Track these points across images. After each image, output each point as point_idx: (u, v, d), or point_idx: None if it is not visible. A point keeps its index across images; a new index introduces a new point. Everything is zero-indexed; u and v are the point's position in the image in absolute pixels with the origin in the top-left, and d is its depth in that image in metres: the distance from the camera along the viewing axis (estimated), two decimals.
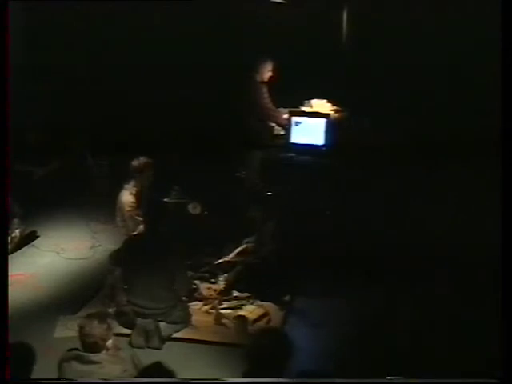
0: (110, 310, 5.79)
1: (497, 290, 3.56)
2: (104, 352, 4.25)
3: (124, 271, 5.88)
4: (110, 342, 4.29)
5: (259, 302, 6.08)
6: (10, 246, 6.82)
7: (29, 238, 7.42)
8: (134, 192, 6.65)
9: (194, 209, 6.58)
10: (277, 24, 9.28)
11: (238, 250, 6.55)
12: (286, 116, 7.98)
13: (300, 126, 7.80)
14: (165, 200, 6.64)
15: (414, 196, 7.90)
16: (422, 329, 5.67)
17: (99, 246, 7.36)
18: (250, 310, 5.96)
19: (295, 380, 3.74)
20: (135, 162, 6.67)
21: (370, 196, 7.84)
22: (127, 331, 5.64)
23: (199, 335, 5.69)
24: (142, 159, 6.69)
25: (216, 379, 4.32)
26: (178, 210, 6.88)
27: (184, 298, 5.92)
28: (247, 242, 6.58)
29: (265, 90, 7.92)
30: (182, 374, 4.47)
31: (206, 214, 6.70)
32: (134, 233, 6.41)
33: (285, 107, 8.13)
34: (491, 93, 4.74)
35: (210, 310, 5.97)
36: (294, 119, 7.82)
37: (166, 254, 5.75)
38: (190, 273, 6.26)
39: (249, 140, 7.93)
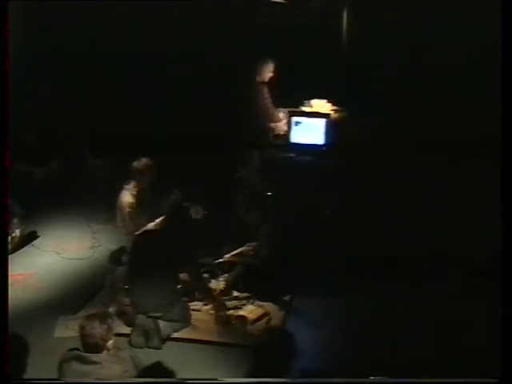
0: (111, 310, 5.79)
1: (497, 290, 3.56)
2: (104, 352, 4.25)
3: (129, 269, 5.90)
4: (110, 343, 4.29)
5: (259, 302, 6.08)
6: (10, 246, 6.83)
7: (29, 238, 7.42)
8: (134, 192, 6.64)
9: (196, 213, 6.57)
10: (277, 24, 9.29)
11: (234, 251, 6.54)
12: (285, 116, 7.99)
13: (300, 125, 7.80)
14: (185, 204, 6.59)
15: (414, 196, 7.91)
16: (422, 329, 5.67)
17: (99, 246, 7.36)
18: (249, 310, 5.96)
19: (295, 380, 3.74)
20: (136, 163, 6.66)
21: (370, 196, 7.84)
22: (127, 331, 5.64)
23: (199, 335, 5.69)
24: (143, 160, 6.68)
25: (216, 379, 4.32)
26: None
27: (185, 298, 5.94)
28: (246, 245, 6.57)
29: (265, 90, 7.92)
30: (182, 374, 4.47)
31: (206, 214, 6.69)
32: (147, 229, 6.39)
33: (285, 107, 8.14)
34: (491, 93, 4.74)
35: (210, 310, 5.97)
36: (294, 119, 7.82)
37: (173, 254, 5.74)
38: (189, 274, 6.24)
39: (249, 140, 7.93)
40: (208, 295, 5.99)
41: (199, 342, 5.62)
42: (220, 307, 5.88)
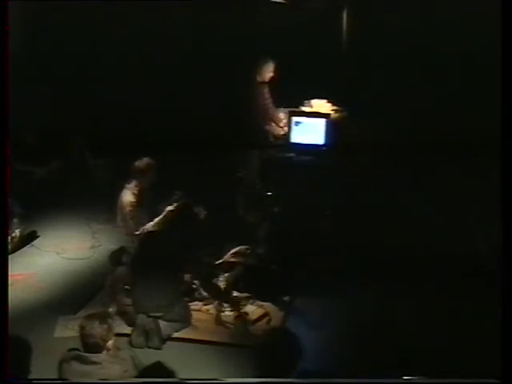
0: (111, 310, 5.80)
1: (497, 290, 3.56)
2: (104, 352, 4.25)
3: (130, 269, 5.90)
4: (110, 343, 4.29)
5: (259, 302, 6.08)
6: (10, 246, 6.83)
7: (29, 238, 7.42)
8: (135, 192, 6.64)
9: (197, 214, 6.57)
10: (277, 24, 9.29)
11: (235, 249, 6.54)
12: (285, 116, 7.99)
13: (300, 125, 7.80)
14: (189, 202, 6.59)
15: (414, 196, 7.91)
16: (422, 329, 5.67)
17: (99, 246, 7.36)
18: (250, 310, 5.96)
19: (295, 380, 3.74)
20: (138, 163, 6.65)
21: (370, 196, 7.84)
22: (127, 331, 5.64)
23: (199, 335, 5.69)
24: (145, 160, 6.68)
25: (216, 379, 4.32)
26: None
27: (185, 298, 5.94)
28: (245, 244, 6.57)
29: (265, 90, 7.91)
30: (182, 374, 4.48)
31: (206, 214, 6.69)
32: (148, 229, 6.40)
33: (285, 107, 8.14)
34: (491, 93, 4.74)
35: (211, 310, 5.98)
36: (294, 119, 7.82)
37: (174, 254, 5.74)
38: (189, 274, 6.24)
39: (249, 140, 7.93)
40: (216, 293, 5.99)
41: (199, 341, 5.62)
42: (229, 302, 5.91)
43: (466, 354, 5.23)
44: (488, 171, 5.82)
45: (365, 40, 9.08)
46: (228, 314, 5.91)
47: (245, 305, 6.04)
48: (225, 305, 6.01)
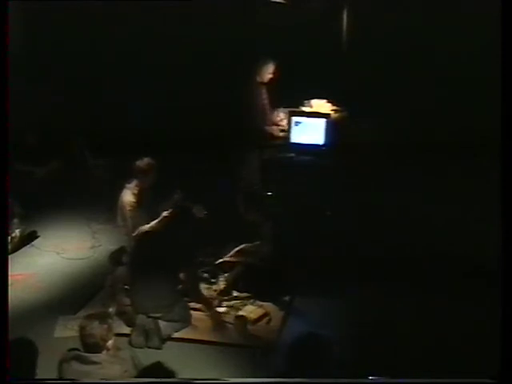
0: (111, 310, 5.80)
1: (497, 290, 3.56)
2: (104, 352, 4.26)
3: (130, 269, 5.90)
4: (110, 343, 4.29)
5: (259, 302, 6.08)
6: (10, 246, 6.83)
7: (29, 238, 7.42)
8: (135, 192, 6.63)
9: (198, 213, 6.57)
10: (277, 24, 9.28)
11: (236, 249, 6.54)
12: (285, 116, 7.98)
13: (300, 125, 7.80)
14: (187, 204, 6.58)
15: (414, 196, 7.91)
16: (422, 329, 5.67)
17: (99, 246, 7.36)
18: (250, 310, 5.96)
19: (295, 380, 3.73)
20: (139, 163, 6.64)
21: (370, 196, 7.84)
22: (127, 331, 5.64)
23: (199, 335, 5.70)
24: (146, 160, 6.67)
25: (216, 379, 4.32)
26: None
27: (185, 298, 5.93)
28: (246, 243, 6.57)
29: (265, 90, 7.91)
30: (182, 374, 4.47)
31: (206, 214, 6.70)
32: (146, 229, 6.40)
33: (285, 107, 8.14)
34: (491, 93, 4.74)
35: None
36: (294, 119, 7.82)
37: (174, 254, 5.74)
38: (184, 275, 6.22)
39: (249, 140, 7.92)
40: (199, 297, 5.98)
41: (199, 342, 5.62)
42: (211, 310, 5.88)
43: (465, 353, 5.23)
44: (488, 171, 5.81)
45: (365, 40, 9.07)
46: (222, 317, 5.90)
47: (245, 305, 6.04)
48: (225, 305, 6.01)
